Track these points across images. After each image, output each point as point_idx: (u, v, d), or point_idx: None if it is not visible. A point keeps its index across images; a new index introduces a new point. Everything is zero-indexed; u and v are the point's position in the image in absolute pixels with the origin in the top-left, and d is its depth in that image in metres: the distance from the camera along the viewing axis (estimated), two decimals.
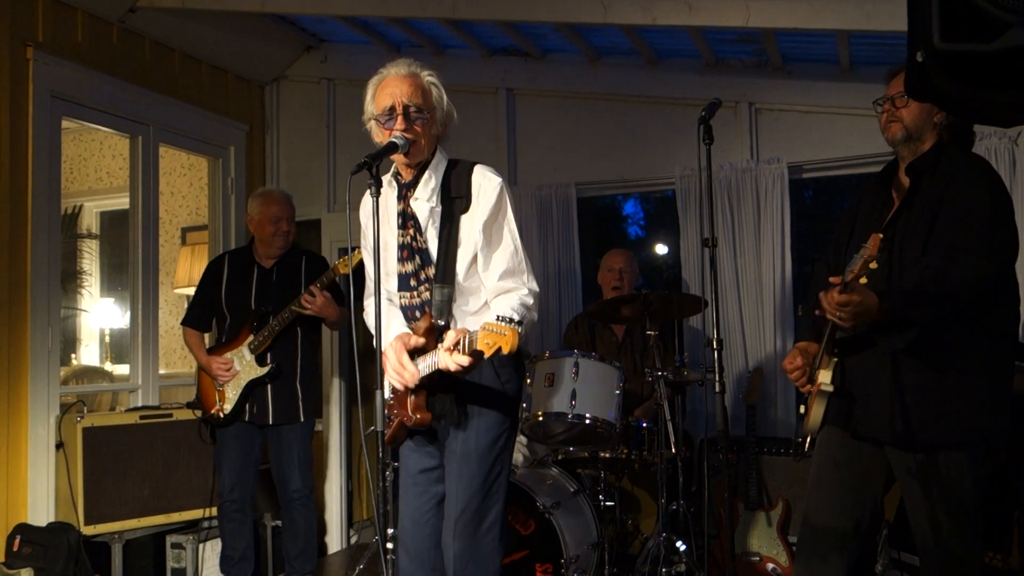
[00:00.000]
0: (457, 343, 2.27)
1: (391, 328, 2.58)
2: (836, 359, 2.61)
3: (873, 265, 2.25)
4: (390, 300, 2.66)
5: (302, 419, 4.12)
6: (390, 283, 2.64)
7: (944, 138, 2.62)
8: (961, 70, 1.37)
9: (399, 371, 2.48)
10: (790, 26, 3.93)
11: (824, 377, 2.60)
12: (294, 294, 4.02)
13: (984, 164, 2.61)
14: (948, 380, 2.46)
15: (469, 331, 2.28)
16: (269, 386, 4.07)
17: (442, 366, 2.34)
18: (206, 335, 4.42)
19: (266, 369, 4.05)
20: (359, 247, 3.84)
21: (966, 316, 2.44)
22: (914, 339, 2.45)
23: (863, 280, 2.30)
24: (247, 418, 4.08)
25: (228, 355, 4.11)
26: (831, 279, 2.39)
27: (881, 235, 2.27)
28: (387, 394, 2.59)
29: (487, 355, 2.19)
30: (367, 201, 2.68)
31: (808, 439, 2.66)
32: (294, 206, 4.26)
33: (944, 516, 2.48)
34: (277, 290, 4.11)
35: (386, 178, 2.59)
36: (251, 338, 4.08)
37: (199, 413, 4.24)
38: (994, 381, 2.49)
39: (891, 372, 2.50)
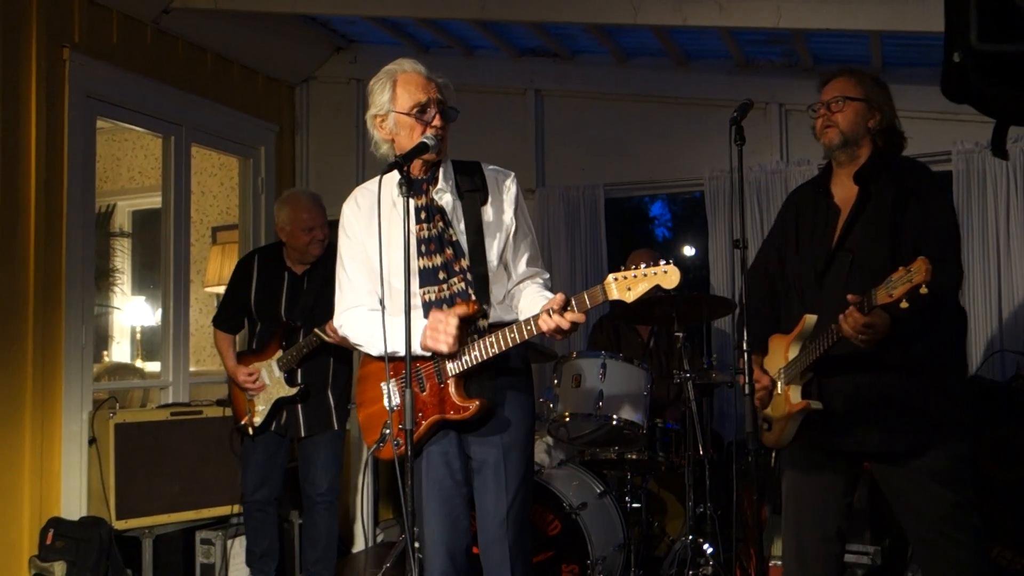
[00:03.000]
0: (567, 304, 2.28)
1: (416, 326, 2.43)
2: (811, 375, 2.59)
3: (924, 291, 2.16)
4: (377, 310, 2.45)
5: (335, 428, 3.99)
6: (392, 283, 2.50)
7: (879, 143, 2.64)
8: (999, 71, 1.36)
9: (447, 333, 2.38)
10: (821, 27, 3.90)
11: (795, 395, 2.59)
12: (325, 304, 3.47)
13: (932, 170, 2.68)
14: (925, 383, 2.49)
15: (567, 295, 2.32)
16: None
17: (546, 328, 2.31)
18: (237, 337, 4.24)
19: (295, 390, 3.89)
20: None
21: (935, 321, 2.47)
22: (895, 349, 2.46)
23: (904, 304, 2.22)
24: (274, 428, 3.97)
25: (256, 364, 3.96)
26: (849, 297, 2.34)
27: (927, 259, 2.16)
28: (395, 401, 2.52)
29: (629, 302, 2.24)
30: (356, 213, 2.70)
31: (773, 454, 2.66)
32: (324, 206, 3.97)
33: (943, 511, 2.50)
34: (308, 299, 3.92)
35: (389, 180, 2.49)
36: (280, 353, 3.92)
37: (230, 412, 4.16)
38: (961, 377, 2.62)
39: (871, 385, 2.51)
